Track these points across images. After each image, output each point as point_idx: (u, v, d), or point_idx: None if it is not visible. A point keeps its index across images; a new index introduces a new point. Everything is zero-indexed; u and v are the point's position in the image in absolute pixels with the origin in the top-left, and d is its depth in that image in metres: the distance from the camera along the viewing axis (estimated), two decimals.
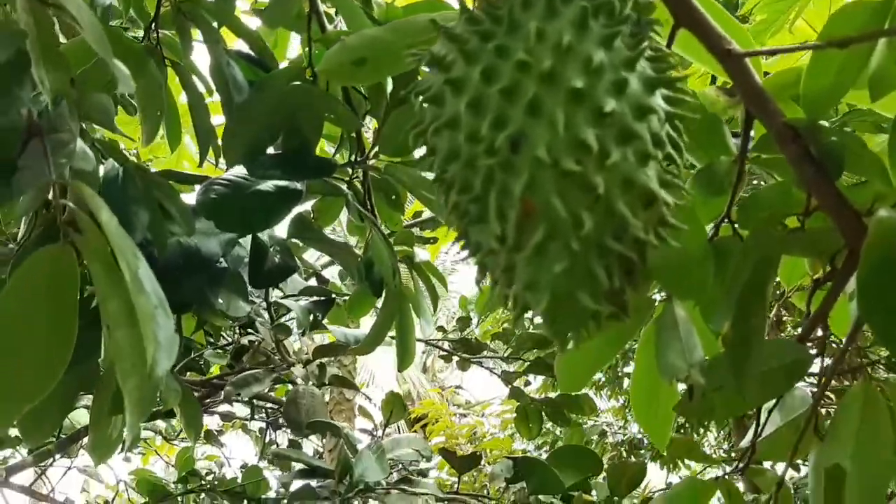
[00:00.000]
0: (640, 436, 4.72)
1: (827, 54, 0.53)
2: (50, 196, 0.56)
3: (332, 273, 2.36)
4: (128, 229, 0.94)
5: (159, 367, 0.45)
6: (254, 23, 1.06)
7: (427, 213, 2.62)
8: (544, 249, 0.41)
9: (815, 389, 0.75)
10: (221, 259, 1.23)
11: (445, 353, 2.41)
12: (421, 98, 0.47)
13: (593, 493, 1.46)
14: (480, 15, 0.46)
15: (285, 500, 2.44)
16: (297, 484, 1.37)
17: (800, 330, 0.73)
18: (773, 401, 0.74)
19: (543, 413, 2.20)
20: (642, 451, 4.83)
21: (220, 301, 1.32)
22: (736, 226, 0.69)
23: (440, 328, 2.50)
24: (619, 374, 4.58)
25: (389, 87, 0.92)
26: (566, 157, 0.40)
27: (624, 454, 4.84)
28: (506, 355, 2.43)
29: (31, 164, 0.53)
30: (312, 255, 2.50)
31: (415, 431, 5.28)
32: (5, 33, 0.47)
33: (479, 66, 0.43)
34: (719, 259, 0.70)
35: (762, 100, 0.59)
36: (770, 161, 0.67)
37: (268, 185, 0.99)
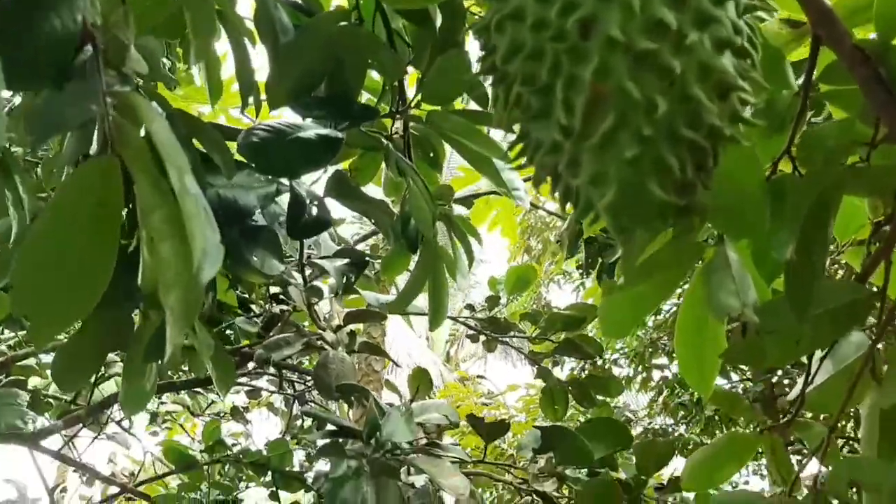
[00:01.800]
0: (665, 426, 4.67)
1: None
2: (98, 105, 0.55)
3: (364, 248, 2.36)
4: None
5: (204, 273, 0.44)
6: None
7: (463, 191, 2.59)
8: (614, 138, 0.39)
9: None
10: (258, 214, 1.23)
11: (474, 332, 2.40)
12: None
13: (620, 471, 1.44)
14: None
15: (309, 473, 2.45)
16: (324, 443, 1.36)
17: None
18: (824, 352, 0.72)
19: (569, 395, 2.18)
20: None
21: (255, 259, 1.32)
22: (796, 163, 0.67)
23: (469, 306, 2.49)
24: (648, 365, 4.53)
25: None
26: (641, 38, 0.38)
27: None
28: (534, 335, 2.40)
29: (83, 71, 0.53)
30: (345, 233, 2.51)
31: None
32: None
33: None
34: (776, 198, 0.67)
35: (830, 21, 0.57)
36: (834, 93, 0.65)
37: (309, 133, 0.98)
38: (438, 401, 1.44)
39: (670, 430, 4.58)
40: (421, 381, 2.08)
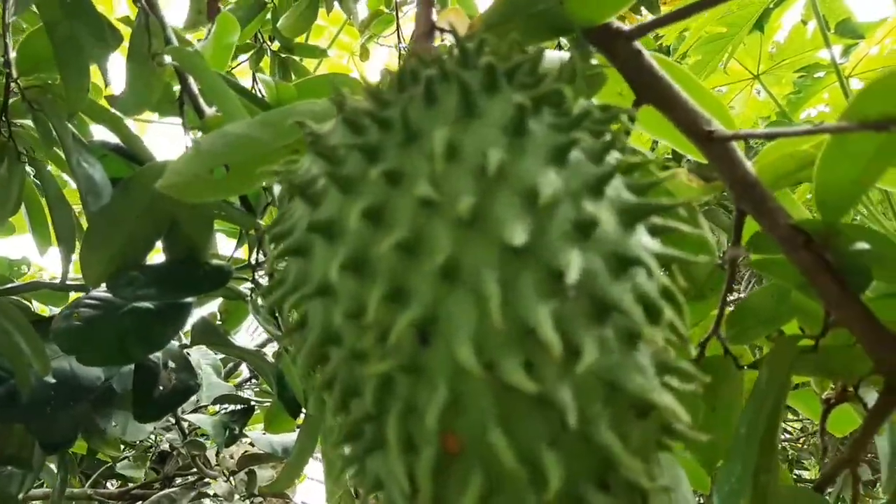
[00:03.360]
0: None
1: (855, 138, 0.39)
2: None
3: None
4: None
5: None
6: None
7: None
8: None
9: None
10: (107, 381, 1.03)
11: None
12: (278, 246, 0.31)
13: None
14: (362, 117, 0.30)
15: None
16: None
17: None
18: None
19: None
20: None
21: (114, 424, 1.11)
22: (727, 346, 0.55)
23: None
24: None
25: None
26: (509, 359, 0.24)
27: None
28: None
29: None
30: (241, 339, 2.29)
31: None
32: None
33: (360, 202, 0.27)
34: (708, 387, 0.55)
35: (758, 195, 0.45)
36: (766, 262, 0.53)
37: (148, 301, 0.81)
38: None
39: None
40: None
